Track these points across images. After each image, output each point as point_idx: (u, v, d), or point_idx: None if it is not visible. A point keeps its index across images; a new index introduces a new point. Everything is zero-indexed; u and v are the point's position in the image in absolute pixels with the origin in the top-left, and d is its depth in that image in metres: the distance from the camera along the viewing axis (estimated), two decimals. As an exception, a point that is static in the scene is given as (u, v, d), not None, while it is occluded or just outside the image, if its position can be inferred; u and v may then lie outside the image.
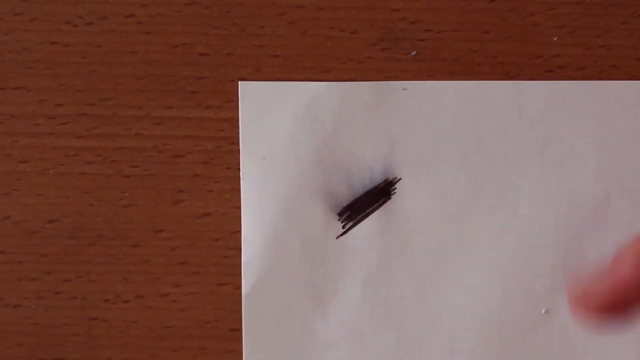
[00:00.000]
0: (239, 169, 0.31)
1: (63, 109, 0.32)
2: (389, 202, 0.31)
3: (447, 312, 0.31)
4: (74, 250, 0.32)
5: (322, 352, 0.31)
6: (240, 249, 0.32)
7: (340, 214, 0.31)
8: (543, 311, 0.31)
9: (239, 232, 0.32)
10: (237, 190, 0.31)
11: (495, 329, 0.31)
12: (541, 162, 0.31)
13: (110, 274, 0.32)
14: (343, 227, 0.31)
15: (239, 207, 0.31)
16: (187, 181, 0.32)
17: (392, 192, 0.31)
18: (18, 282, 0.32)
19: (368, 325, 0.31)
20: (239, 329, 0.32)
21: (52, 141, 0.32)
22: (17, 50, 0.31)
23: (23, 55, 0.31)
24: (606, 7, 0.31)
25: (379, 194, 0.31)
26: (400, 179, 0.31)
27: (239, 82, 0.31)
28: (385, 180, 0.31)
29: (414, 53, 0.31)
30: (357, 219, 0.31)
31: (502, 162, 0.31)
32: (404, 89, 0.31)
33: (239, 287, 0.32)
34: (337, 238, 0.31)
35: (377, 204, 0.31)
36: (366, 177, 0.31)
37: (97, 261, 0.32)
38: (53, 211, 0.32)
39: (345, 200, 0.31)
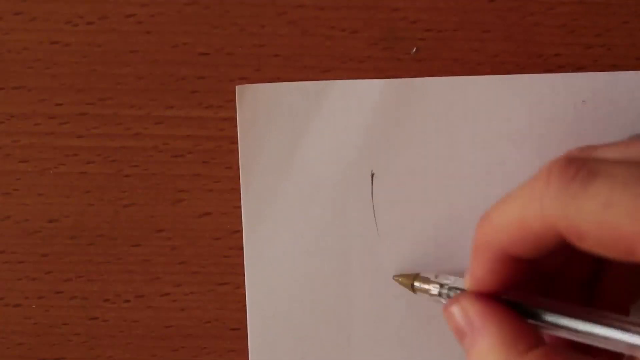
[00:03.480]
0: (239, 169, 0.31)
1: (63, 108, 0.32)
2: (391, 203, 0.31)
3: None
4: (74, 250, 0.32)
5: (327, 351, 0.31)
6: (240, 248, 0.32)
7: None
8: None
9: (239, 231, 0.32)
10: (237, 190, 0.31)
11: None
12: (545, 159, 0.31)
13: (110, 273, 0.32)
14: None
15: (239, 207, 0.32)
16: (187, 181, 0.32)
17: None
18: (18, 282, 0.32)
19: (373, 321, 0.31)
20: (239, 329, 0.32)
21: (52, 141, 0.32)
22: (17, 50, 0.31)
23: (23, 55, 0.31)
24: (606, 7, 0.31)
25: None
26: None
27: (236, 86, 0.31)
28: None
29: (415, 50, 0.31)
30: None
31: (512, 157, 0.31)
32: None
33: (240, 286, 0.32)
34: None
35: None
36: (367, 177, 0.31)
37: (97, 261, 0.32)
38: (53, 211, 0.32)
39: (345, 200, 0.31)
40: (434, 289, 0.29)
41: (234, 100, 0.31)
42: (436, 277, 0.29)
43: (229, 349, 0.32)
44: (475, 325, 0.25)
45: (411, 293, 0.31)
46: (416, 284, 0.30)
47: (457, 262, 0.31)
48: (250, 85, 0.31)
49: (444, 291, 0.29)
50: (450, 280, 0.29)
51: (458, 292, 0.28)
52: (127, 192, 0.32)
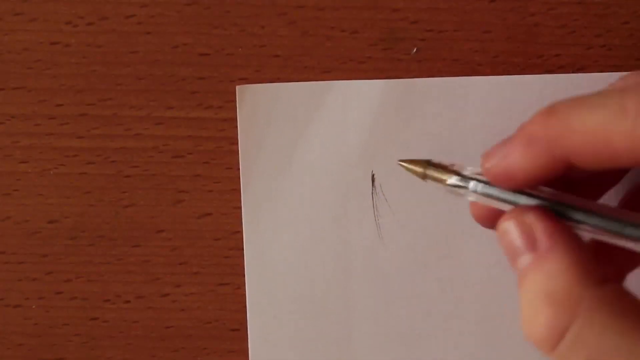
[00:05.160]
0: (239, 169, 0.31)
1: (63, 109, 0.32)
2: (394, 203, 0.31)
3: (454, 324, 0.31)
4: (74, 250, 0.32)
5: (327, 351, 0.31)
6: (241, 249, 0.32)
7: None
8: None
9: (239, 232, 0.32)
10: (237, 190, 0.31)
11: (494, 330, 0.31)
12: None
13: (110, 274, 0.32)
14: None
15: (239, 207, 0.32)
16: (187, 181, 0.32)
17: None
18: (18, 282, 0.32)
19: (373, 321, 0.31)
20: (239, 329, 0.32)
21: (52, 141, 0.32)
22: (17, 50, 0.31)
23: (23, 55, 0.31)
24: (606, 7, 0.31)
25: None
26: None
27: (237, 86, 0.31)
28: None
29: (415, 50, 0.31)
30: None
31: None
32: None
33: (240, 287, 0.32)
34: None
35: None
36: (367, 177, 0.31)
37: (98, 261, 0.32)
38: (53, 211, 0.32)
39: (346, 200, 0.31)
40: (450, 178, 0.25)
41: (234, 101, 0.31)
42: (452, 165, 0.25)
43: (229, 350, 0.32)
44: (540, 245, 0.23)
45: (411, 293, 0.31)
46: (428, 172, 0.25)
47: (458, 258, 0.31)
48: (250, 85, 0.31)
49: (462, 184, 0.24)
50: (468, 171, 0.25)
51: (482, 185, 0.24)
52: (127, 192, 0.32)
